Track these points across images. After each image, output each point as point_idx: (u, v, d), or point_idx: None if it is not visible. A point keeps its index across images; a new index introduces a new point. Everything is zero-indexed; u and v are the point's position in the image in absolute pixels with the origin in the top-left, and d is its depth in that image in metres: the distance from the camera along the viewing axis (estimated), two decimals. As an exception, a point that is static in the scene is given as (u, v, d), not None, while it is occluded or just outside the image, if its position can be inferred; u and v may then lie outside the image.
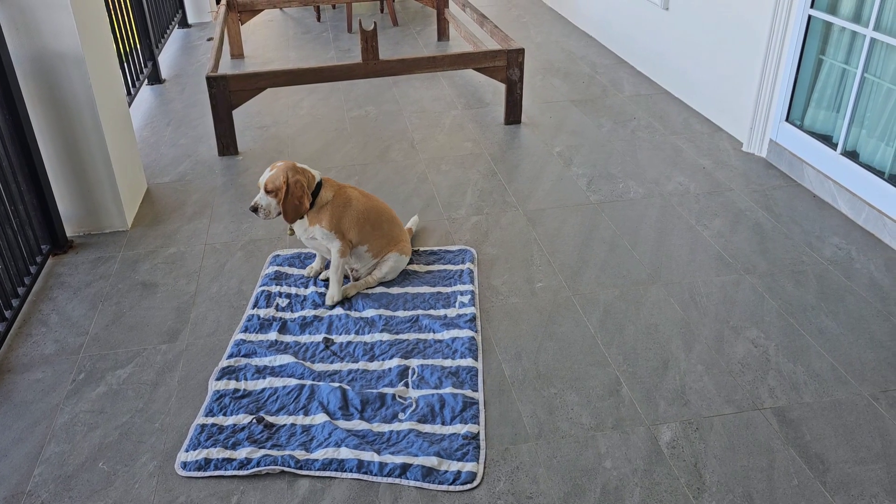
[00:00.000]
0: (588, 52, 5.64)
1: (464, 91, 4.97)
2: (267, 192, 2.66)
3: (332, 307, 2.80)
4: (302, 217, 2.65)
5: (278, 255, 3.14)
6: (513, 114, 4.42)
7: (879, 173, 3.22)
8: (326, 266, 2.94)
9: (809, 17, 3.52)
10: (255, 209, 2.68)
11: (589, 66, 5.36)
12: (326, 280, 2.96)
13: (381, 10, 7.06)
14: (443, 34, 6.10)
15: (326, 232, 2.71)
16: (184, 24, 6.64)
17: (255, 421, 2.29)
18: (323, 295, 2.87)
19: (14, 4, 2.88)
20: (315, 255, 3.06)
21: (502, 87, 4.90)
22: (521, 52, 4.26)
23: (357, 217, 2.78)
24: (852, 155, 3.39)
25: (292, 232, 2.81)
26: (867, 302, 2.79)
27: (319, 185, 2.72)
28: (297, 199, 2.64)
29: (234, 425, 2.28)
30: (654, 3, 4.87)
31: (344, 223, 2.73)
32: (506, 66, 4.27)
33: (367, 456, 2.15)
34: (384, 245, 2.90)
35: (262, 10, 5.75)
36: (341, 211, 2.72)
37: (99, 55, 3.26)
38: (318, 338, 2.66)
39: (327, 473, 2.12)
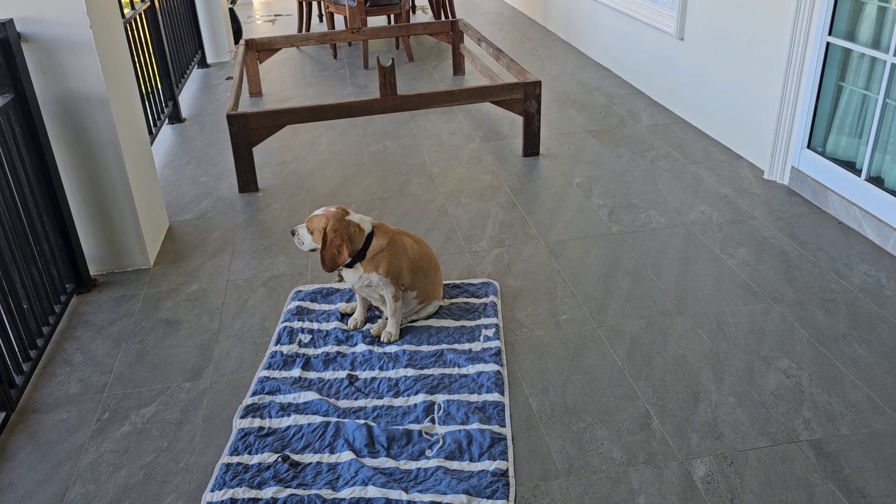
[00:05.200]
0: (604, 84, 5.66)
1: (481, 124, 4.99)
2: (308, 229, 2.70)
3: (389, 343, 2.79)
4: (338, 267, 2.65)
5: (300, 291, 3.13)
6: (531, 146, 4.43)
7: (906, 199, 3.18)
8: (370, 318, 2.94)
9: (828, 44, 3.52)
10: (293, 232, 2.75)
11: (605, 97, 5.38)
12: (354, 317, 2.95)
13: (397, 46, 7.15)
14: (458, 69, 6.15)
15: (383, 278, 2.71)
16: (203, 64, 6.75)
17: (280, 459, 2.26)
18: (346, 331, 2.86)
19: (41, 48, 2.93)
20: (343, 305, 3.05)
21: (519, 119, 4.92)
22: (537, 84, 4.28)
23: (411, 265, 2.79)
24: (877, 181, 3.35)
25: (341, 278, 2.82)
26: (900, 330, 2.74)
27: (371, 234, 2.72)
28: (336, 248, 2.63)
29: (260, 464, 2.25)
30: (668, 33, 4.90)
31: (400, 270, 2.74)
32: (523, 98, 4.29)
33: (395, 494, 2.11)
34: (431, 291, 2.91)
35: (279, 48, 5.83)
36: (398, 259, 2.73)
37: (123, 96, 3.30)
38: (342, 374, 2.64)
39: (355, 513, 2.09)
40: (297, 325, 2.90)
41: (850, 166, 3.51)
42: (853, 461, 2.19)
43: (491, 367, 2.61)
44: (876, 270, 3.11)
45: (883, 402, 2.40)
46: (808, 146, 3.74)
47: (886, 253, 3.23)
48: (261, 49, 5.75)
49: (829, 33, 3.50)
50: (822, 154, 3.66)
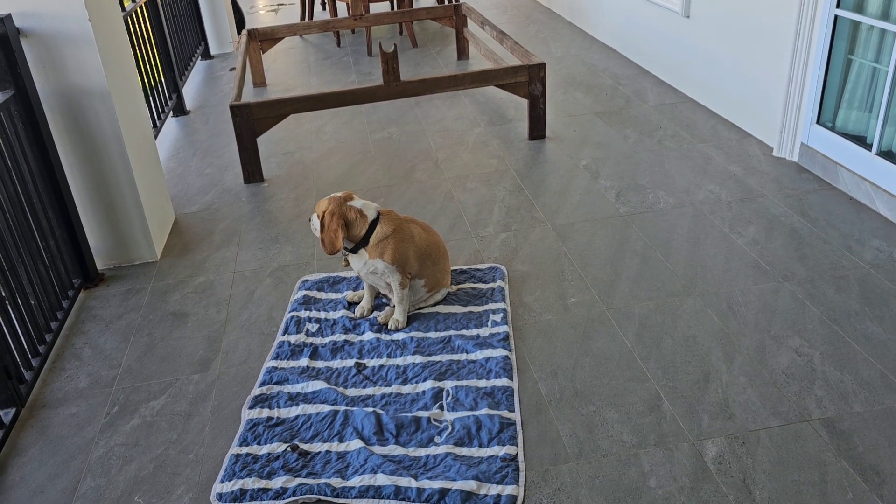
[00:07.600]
0: (609, 64, 5.60)
1: (486, 108, 4.95)
2: (317, 214, 2.73)
3: (396, 330, 2.78)
4: (337, 250, 2.65)
5: (307, 280, 3.13)
6: (536, 129, 4.39)
7: (918, 172, 3.13)
8: (377, 306, 2.93)
9: (836, 17, 3.45)
10: (310, 219, 2.80)
11: (611, 77, 5.32)
12: (364, 306, 2.94)
13: (400, 32, 7.10)
14: (462, 53, 6.11)
15: (389, 266, 2.70)
16: (206, 55, 6.73)
17: (289, 449, 2.26)
18: (353, 319, 2.86)
19: (41, 42, 2.92)
20: (350, 292, 3.04)
21: (524, 102, 4.88)
22: (542, 66, 4.23)
23: (418, 253, 2.77)
24: (888, 155, 3.30)
25: (347, 263, 2.82)
26: (914, 305, 2.70)
27: (376, 221, 2.71)
28: (333, 232, 2.64)
29: (269, 454, 2.25)
30: (674, 11, 4.83)
31: (406, 258, 2.73)
32: (528, 81, 4.25)
33: (405, 482, 2.11)
34: (440, 279, 2.89)
35: (282, 37, 5.80)
36: (404, 246, 2.72)
37: (124, 90, 3.29)
38: (350, 362, 2.63)
39: (364, 501, 2.08)
40: (304, 314, 2.90)
41: (861, 141, 3.46)
42: (866, 439, 2.16)
43: (499, 353, 2.59)
44: (888, 246, 3.07)
45: (897, 379, 2.37)
46: (818, 122, 3.69)
47: (899, 228, 3.19)
48: (264, 39, 5.72)
49: (838, 6, 3.44)
50: (832, 129, 3.61)
